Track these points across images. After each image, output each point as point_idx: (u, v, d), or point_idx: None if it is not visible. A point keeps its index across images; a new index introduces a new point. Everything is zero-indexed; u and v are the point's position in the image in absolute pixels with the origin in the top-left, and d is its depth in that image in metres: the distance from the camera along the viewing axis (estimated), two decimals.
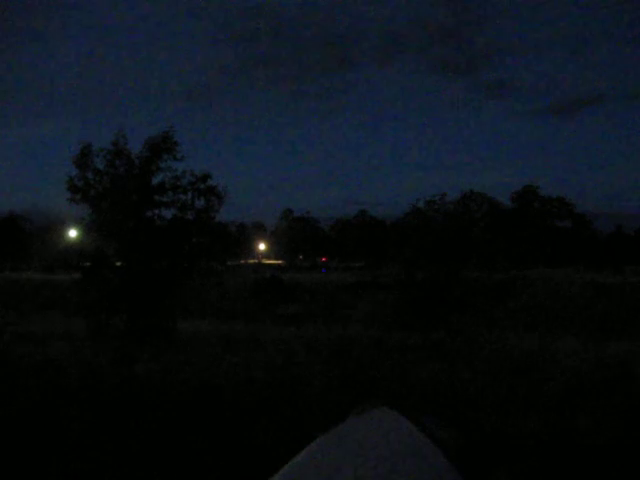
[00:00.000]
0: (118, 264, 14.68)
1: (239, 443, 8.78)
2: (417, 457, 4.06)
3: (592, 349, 17.04)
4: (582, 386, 12.15)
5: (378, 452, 4.12)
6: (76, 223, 17.97)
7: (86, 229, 15.36)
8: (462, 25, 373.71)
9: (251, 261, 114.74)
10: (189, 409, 10.51)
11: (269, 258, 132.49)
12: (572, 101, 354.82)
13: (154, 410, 10.54)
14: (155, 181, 14.16)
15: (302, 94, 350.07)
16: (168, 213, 14.49)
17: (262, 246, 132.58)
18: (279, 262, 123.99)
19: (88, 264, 15.04)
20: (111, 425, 9.61)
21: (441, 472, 3.90)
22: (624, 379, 12.71)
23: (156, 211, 14.37)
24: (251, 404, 10.81)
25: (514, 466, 6.68)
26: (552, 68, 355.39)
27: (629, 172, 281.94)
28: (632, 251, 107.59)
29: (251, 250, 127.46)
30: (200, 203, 14.30)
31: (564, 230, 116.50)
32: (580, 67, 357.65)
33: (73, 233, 29.04)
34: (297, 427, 8.80)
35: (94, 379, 12.72)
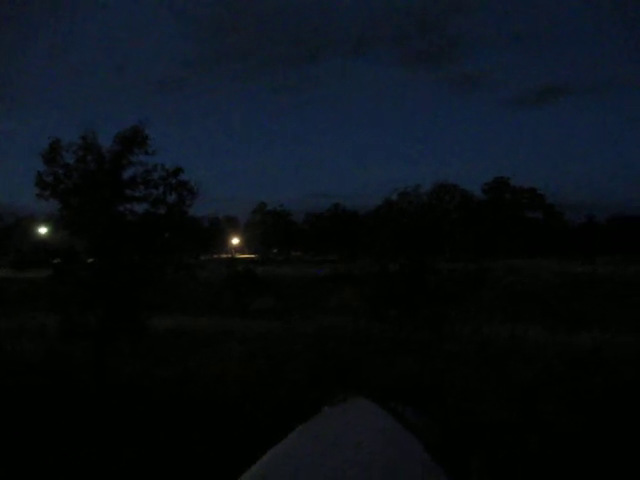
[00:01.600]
0: (89, 260, 14.52)
1: (218, 435, 8.76)
2: (393, 445, 4.11)
3: (562, 339, 17.25)
4: (553, 375, 12.30)
5: (355, 441, 4.17)
6: (46, 220, 17.75)
7: (56, 225, 15.18)
8: (432, 17, 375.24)
9: (224, 255, 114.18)
10: (164, 404, 10.46)
11: (243, 252, 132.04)
12: (541, 92, 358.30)
13: (129, 405, 10.49)
14: (126, 175, 14.01)
15: (273, 87, 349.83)
16: (140, 208, 14.34)
17: (235, 240, 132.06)
18: (253, 256, 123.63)
19: (58, 261, 14.86)
20: (85, 422, 9.52)
21: (417, 460, 3.96)
22: (593, 368, 12.88)
23: (127, 206, 14.21)
24: (227, 397, 10.79)
25: (488, 453, 6.74)
26: (521, 59, 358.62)
27: (599, 162, 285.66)
28: (603, 241, 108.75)
29: (224, 244, 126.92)
30: (172, 198, 14.17)
31: (535, 221, 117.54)
32: (549, 58, 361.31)
33: (43, 230, 28.72)
34: (275, 418, 8.80)
35: (66, 376, 12.62)
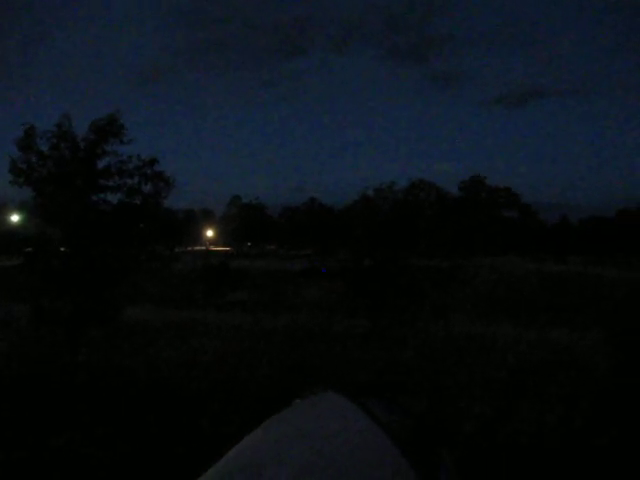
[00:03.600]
0: (62, 249, 14.36)
1: (185, 428, 8.74)
2: (362, 440, 4.10)
3: (534, 335, 17.40)
4: (524, 371, 12.41)
5: (323, 435, 4.16)
6: (18, 207, 17.56)
7: (29, 213, 15.00)
8: (415, 14, 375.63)
9: (198, 248, 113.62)
10: (134, 396, 10.40)
11: (217, 245, 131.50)
12: (521, 93, 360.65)
13: (98, 396, 10.42)
14: (101, 165, 13.88)
15: (252, 80, 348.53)
16: (114, 198, 14.21)
17: (210, 233, 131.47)
18: (227, 249, 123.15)
19: (31, 249, 14.69)
20: (54, 412, 9.45)
21: (386, 455, 3.95)
22: (565, 364, 13.03)
23: (101, 195, 14.08)
24: (198, 390, 10.76)
25: (459, 449, 6.79)
26: (502, 60, 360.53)
27: (574, 164, 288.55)
28: (576, 241, 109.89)
29: (199, 237, 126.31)
30: (147, 188, 14.06)
31: (510, 220, 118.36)
32: (529, 60, 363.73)
33: (15, 217, 28.36)
34: (244, 412, 8.79)
35: (36, 366, 12.50)
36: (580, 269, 54.01)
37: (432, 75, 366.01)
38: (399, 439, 2.63)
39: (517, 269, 53.72)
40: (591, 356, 13.81)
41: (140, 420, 9.12)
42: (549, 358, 13.80)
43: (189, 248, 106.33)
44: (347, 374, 11.63)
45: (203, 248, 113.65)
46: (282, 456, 2.63)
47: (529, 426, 8.69)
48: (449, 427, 8.23)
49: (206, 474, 2.60)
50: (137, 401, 10.14)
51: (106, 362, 13.33)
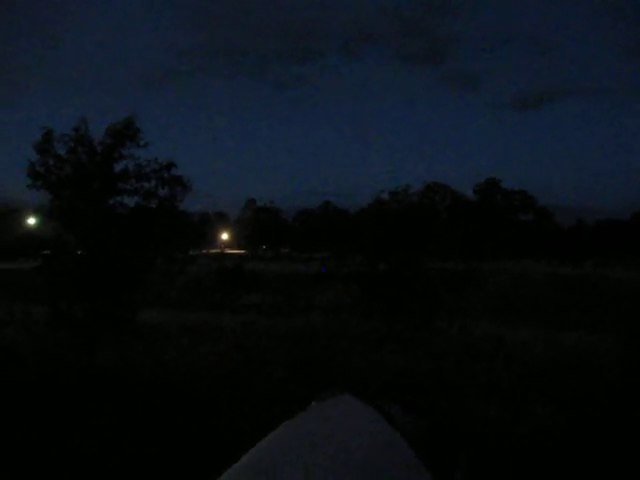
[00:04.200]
0: (79, 252, 14.49)
1: (202, 430, 8.79)
2: (377, 442, 4.15)
3: (549, 339, 17.35)
4: (540, 374, 12.39)
5: (340, 438, 4.21)
6: (35, 211, 17.71)
7: (46, 216, 15.14)
8: (429, 17, 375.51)
9: (213, 251, 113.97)
10: (150, 398, 10.47)
11: (232, 248, 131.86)
12: (536, 95, 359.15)
13: (114, 398, 10.50)
14: (118, 168, 14.01)
15: (266, 83, 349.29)
16: (131, 201, 14.33)
17: (225, 236, 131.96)
18: (242, 252, 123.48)
19: (48, 252, 14.84)
20: (71, 414, 9.54)
21: (402, 457, 4.00)
22: (578, 367, 12.99)
23: (118, 199, 14.21)
24: (214, 393, 10.81)
25: (475, 451, 6.79)
26: (518, 62, 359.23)
27: (590, 166, 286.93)
28: (592, 244, 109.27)
29: (214, 240, 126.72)
30: (164, 191, 14.16)
31: (526, 223, 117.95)
32: (544, 62, 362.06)
33: (32, 221, 28.57)
34: (262, 414, 8.83)
35: (53, 368, 12.60)
36: (597, 272, 53.72)
37: (446, 77, 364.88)
38: (414, 441, 2.74)
39: (533, 272, 53.54)
40: (606, 359, 13.75)
41: (154, 421, 9.19)
42: (564, 361, 13.76)
43: (204, 251, 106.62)
44: (363, 377, 11.64)
45: (218, 251, 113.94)
46: (298, 459, 2.75)
47: (543, 427, 8.69)
48: (465, 430, 8.24)
49: (222, 476, 2.66)
50: (150, 402, 10.22)
51: (122, 364, 13.42)
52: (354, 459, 3.88)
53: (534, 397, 10.37)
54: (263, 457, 4.04)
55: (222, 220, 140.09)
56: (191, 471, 7.23)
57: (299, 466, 3.68)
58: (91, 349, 13.61)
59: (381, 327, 18.37)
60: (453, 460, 4.21)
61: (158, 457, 7.78)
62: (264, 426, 4.64)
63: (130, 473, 7.42)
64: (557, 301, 31.88)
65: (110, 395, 10.51)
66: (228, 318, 22.78)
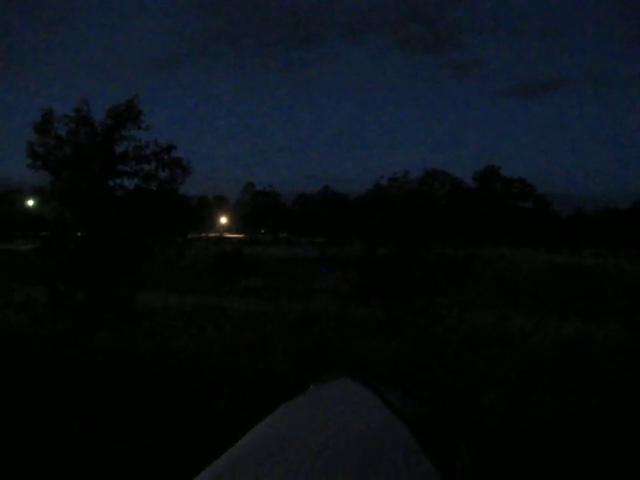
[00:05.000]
0: (79, 234, 14.46)
1: (202, 411, 8.82)
2: (376, 425, 4.15)
3: (548, 328, 17.38)
4: (538, 362, 12.41)
5: (337, 421, 4.21)
6: (35, 192, 17.66)
7: (46, 197, 15.08)
8: (432, 4, 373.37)
9: (212, 234, 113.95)
10: (150, 379, 10.49)
11: (231, 232, 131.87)
12: (539, 83, 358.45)
13: (114, 378, 10.52)
14: (118, 150, 13.94)
15: (268, 68, 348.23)
16: (130, 184, 14.28)
17: (224, 220, 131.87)
18: (241, 236, 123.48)
19: (47, 233, 14.81)
20: (72, 395, 9.55)
21: (400, 440, 4.00)
22: (576, 357, 13.02)
23: (118, 180, 14.15)
24: (214, 375, 10.83)
25: (474, 439, 6.81)
26: (521, 50, 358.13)
27: (590, 155, 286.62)
28: (590, 233, 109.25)
29: (213, 223, 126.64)
30: (164, 174, 14.11)
31: (525, 211, 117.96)
32: (548, 50, 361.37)
33: (31, 202, 28.54)
34: (261, 396, 8.85)
35: (53, 349, 12.62)
36: (596, 261, 53.76)
37: (448, 64, 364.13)
38: (413, 426, 2.75)
39: (531, 260, 53.58)
40: (607, 347, 13.77)
41: (154, 405, 9.21)
42: (562, 350, 13.78)
43: (203, 235, 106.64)
44: (362, 362, 11.66)
45: (217, 234, 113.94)
46: (297, 440, 2.77)
47: (544, 416, 8.71)
48: (465, 418, 8.26)
49: (221, 458, 2.67)
50: (149, 385, 10.23)
51: (121, 347, 13.44)
52: (352, 442, 3.89)
53: (534, 385, 10.40)
54: (262, 438, 4.06)
55: (221, 203, 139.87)
56: (190, 457, 7.25)
57: (298, 447, 3.69)
58: (91, 331, 13.61)
59: (380, 313, 18.39)
60: (452, 448, 4.21)
61: (157, 446, 7.80)
62: (264, 410, 4.67)
63: (129, 461, 7.42)
64: (556, 290, 31.91)
65: (109, 379, 10.53)
66: (228, 302, 22.79)
